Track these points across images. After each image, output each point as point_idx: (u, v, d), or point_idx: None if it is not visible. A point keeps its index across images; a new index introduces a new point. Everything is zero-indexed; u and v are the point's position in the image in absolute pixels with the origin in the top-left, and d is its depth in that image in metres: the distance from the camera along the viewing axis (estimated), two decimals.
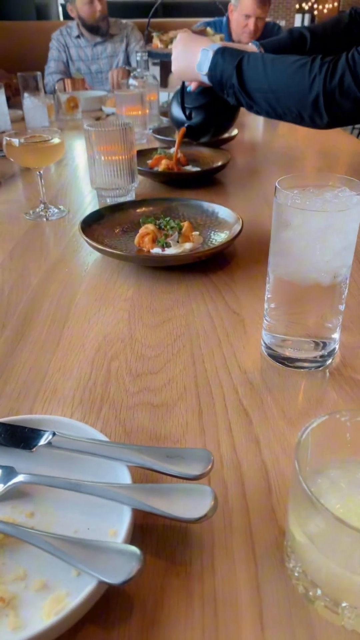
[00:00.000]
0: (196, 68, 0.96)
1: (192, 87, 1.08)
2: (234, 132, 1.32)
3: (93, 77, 2.48)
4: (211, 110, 1.08)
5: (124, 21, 2.48)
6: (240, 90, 0.89)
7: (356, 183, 0.45)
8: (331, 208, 0.44)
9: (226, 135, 1.30)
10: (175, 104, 1.13)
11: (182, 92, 1.09)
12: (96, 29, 2.38)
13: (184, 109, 1.09)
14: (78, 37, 2.45)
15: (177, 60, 1.03)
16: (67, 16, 2.60)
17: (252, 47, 1.07)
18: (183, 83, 1.09)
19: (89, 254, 0.77)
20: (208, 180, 1.08)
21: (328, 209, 0.44)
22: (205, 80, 0.96)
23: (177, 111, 1.12)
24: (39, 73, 1.60)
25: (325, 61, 0.82)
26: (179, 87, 1.15)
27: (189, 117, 1.09)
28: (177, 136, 1.12)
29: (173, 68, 1.04)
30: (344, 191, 0.46)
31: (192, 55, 0.97)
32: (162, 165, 1.09)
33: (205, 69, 0.94)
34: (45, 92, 2.03)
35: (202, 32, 1.79)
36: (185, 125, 1.09)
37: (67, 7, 2.44)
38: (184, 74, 1.04)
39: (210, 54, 0.92)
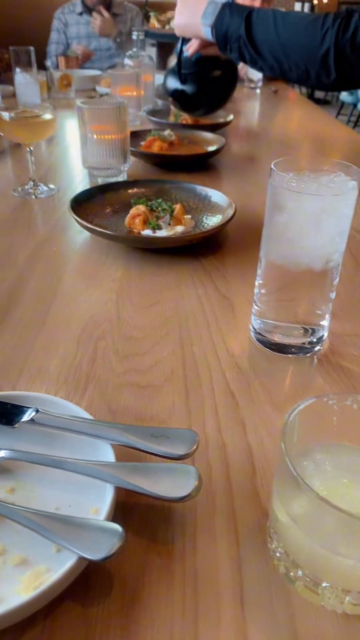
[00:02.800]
0: (201, 18, 0.94)
1: (189, 51, 1.05)
2: (230, 117, 1.30)
3: (89, 53, 2.44)
4: (206, 80, 1.07)
5: (130, 4, 2.44)
6: (246, 42, 0.86)
7: (352, 168, 0.45)
8: (326, 192, 0.43)
9: (222, 120, 1.28)
10: (170, 74, 1.11)
11: (181, 50, 1.06)
12: (89, 11, 2.35)
13: (179, 71, 1.07)
14: (81, 14, 2.41)
15: (181, 12, 1.01)
16: None
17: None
18: (182, 41, 1.06)
19: (78, 233, 0.76)
20: (202, 165, 1.07)
21: (323, 193, 0.43)
22: (208, 35, 0.95)
23: (172, 81, 1.10)
24: (31, 48, 1.56)
25: (338, 17, 0.82)
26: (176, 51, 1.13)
27: (183, 82, 1.08)
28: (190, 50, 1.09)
29: (175, 22, 1.02)
30: (339, 176, 0.45)
31: (198, 6, 0.95)
32: (156, 147, 1.07)
33: (210, 20, 0.92)
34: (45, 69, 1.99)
35: None
36: (179, 89, 1.08)
37: None
38: (185, 27, 1.01)
39: (219, 6, 0.91)
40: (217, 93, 1.12)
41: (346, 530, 0.26)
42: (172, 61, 1.15)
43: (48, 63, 2.30)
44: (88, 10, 2.38)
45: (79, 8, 2.43)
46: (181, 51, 1.05)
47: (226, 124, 1.29)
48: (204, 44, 1.04)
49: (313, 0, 5.69)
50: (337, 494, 0.30)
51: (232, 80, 1.18)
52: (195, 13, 0.96)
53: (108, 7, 2.38)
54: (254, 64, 0.91)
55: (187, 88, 1.07)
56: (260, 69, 0.91)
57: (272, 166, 0.45)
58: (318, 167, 0.47)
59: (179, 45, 1.05)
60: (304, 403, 0.32)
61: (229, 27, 0.89)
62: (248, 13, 0.86)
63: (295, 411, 0.31)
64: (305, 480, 0.30)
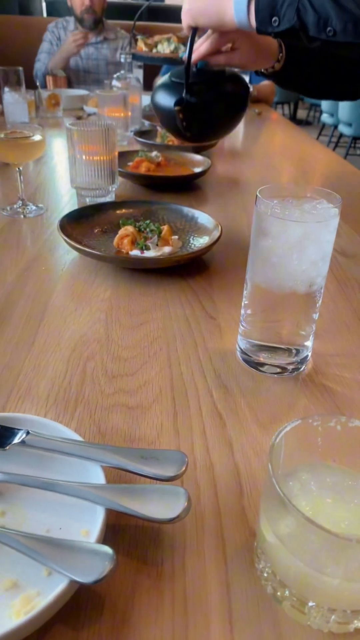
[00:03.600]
0: None
1: (194, 55, 0.76)
2: None
3: (79, 75, 2.47)
4: (219, 93, 0.77)
5: (122, 31, 2.48)
6: None
7: (333, 196, 0.47)
8: (309, 219, 0.45)
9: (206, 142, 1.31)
10: (163, 89, 0.80)
11: (192, 44, 0.74)
12: (80, 21, 2.37)
13: (187, 75, 0.74)
14: (73, 31, 2.43)
15: None
16: (50, 13, 2.58)
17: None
18: (194, 33, 0.74)
19: (66, 253, 0.77)
20: (188, 186, 1.09)
21: (306, 220, 0.45)
22: (241, 8, 0.67)
23: (166, 96, 0.79)
24: (20, 68, 1.58)
25: None
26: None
27: (189, 91, 0.76)
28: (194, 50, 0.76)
29: (186, 7, 0.73)
30: (321, 203, 0.47)
31: None
32: (143, 168, 1.09)
33: None
34: (36, 83, 2.01)
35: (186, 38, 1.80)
36: (184, 99, 0.75)
37: None
38: (205, 8, 0.72)
39: None
40: (229, 112, 0.81)
41: (331, 549, 0.27)
42: (159, 80, 0.85)
43: (35, 70, 2.30)
44: (78, 20, 2.40)
45: (71, 26, 2.45)
46: (191, 49, 0.74)
47: (211, 145, 1.32)
48: (217, 46, 0.76)
49: None
50: (322, 513, 0.31)
51: (244, 98, 0.86)
52: None
53: (97, 23, 2.40)
54: (322, 27, 0.62)
55: (196, 99, 0.76)
56: (329, 33, 0.62)
57: (258, 193, 0.46)
58: (301, 194, 0.49)
59: (181, 56, 0.83)
60: (290, 425, 0.33)
61: None
62: None
63: (281, 433, 0.32)
64: (291, 500, 0.31)
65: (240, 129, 1.75)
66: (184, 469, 0.36)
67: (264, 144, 1.64)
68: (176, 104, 0.76)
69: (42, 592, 0.30)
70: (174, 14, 3.43)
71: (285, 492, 0.31)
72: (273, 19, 0.65)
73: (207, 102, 0.78)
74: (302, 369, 0.53)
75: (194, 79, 0.76)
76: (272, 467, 0.29)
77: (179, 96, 0.75)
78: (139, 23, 2.06)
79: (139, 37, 1.82)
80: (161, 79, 0.84)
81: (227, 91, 0.78)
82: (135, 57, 1.69)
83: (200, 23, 0.74)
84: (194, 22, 0.74)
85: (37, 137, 0.88)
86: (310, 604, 0.29)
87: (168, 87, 0.80)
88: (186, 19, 0.74)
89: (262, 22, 0.66)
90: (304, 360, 0.53)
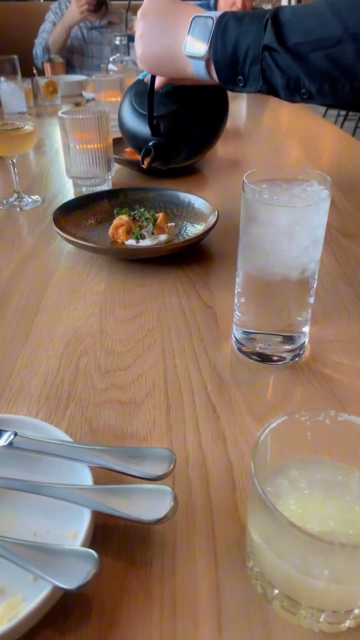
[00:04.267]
0: (184, 48, 0.58)
1: (157, 83, 0.70)
2: None
3: (83, 59, 2.42)
4: (189, 121, 0.71)
5: (131, 15, 2.41)
6: (282, 54, 0.51)
7: (325, 177, 0.45)
8: (299, 203, 0.43)
9: None
10: (128, 109, 0.75)
11: (152, 91, 0.68)
12: None
13: (152, 121, 0.69)
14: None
15: (148, 40, 0.63)
16: None
17: None
18: (152, 79, 0.68)
19: (62, 245, 0.76)
20: (187, 169, 1.07)
21: (295, 204, 0.43)
22: (199, 68, 0.59)
23: (132, 120, 0.74)
24: (15, 57, 1.56)
25: None
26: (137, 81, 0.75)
27: (154, 132, 0.71)
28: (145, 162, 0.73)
29: (139, 52, 0.64)
30: (312, 185, 0.45)
31: (174, 28, 0.60)
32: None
33: (204, 45, 0.56)
34: (36, 64, 1.97)
35: None
36: (151, 144, 0.71)
37: None
38: (159, 62, 0.63)
39: (212, 20, 0.56)
40: (205, 132, 0.76)
41: (315, 552, 0.26)
42: (127, 92, 0.78)
43: (35, 50, 2.26)
44: None
45: None
46: (151, 89, 0.69)
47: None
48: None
49: None
50: (310, 511, 0.30)
51: (222, 107, 0.83)
52: (172, 38, 0.60)
53: (100, 5, 2.34)
54: (294, 92, 0.54)
55: (164, 138, 0.70)
56: (303, 97, 0.54)
57: (244, 178, 0.45)
58: (292, 177, 0.47)
59: (142, 77, 0.70)
60: (275, 421, 0.32)
61: (238, 44, 0.54)
62: (274, 14, 0.52)
63: (266, 430, 0.31)
64: (279, 498, 0.30)
65: (242, 107, 1.71)
66: (172, 467, 0.35)
67: (267, 122, 1.59)
68: (144, 154, 0.72)
69: (27, 598, 0.30)
70: None
71: (272, 492, 0.30)
72: (238, 77, 0.56)
73: (177, 138, 0.71)
74: (299, 357, 0.51)
75: (162, 109, 0.69)
76: (254, 467, 0.28)
77: (146, 139, 0.71)
78: (135, 2, 2.00)
79: (134, 17, 1.77)
80: (126, 101, 0.76)
81: (198, 112, 0.69)
82: (131, 38, 1.65)
83: (159, 74, 0.67)
84: (151, 72, 0.67)
85: (29, 128, 0.86)
86: (300, 604, 0.29)
87: (133, 113, 0.73)
88: (142, 67, 0.66)
89: (225, 81, 0.58)
90: (301, 348, 0.51)
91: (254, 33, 0.52)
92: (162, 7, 0.61)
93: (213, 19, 0.55)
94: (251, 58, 0.53)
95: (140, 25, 0.63)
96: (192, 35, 0.57)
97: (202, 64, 0.57)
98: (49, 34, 2.38)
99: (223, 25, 0.54)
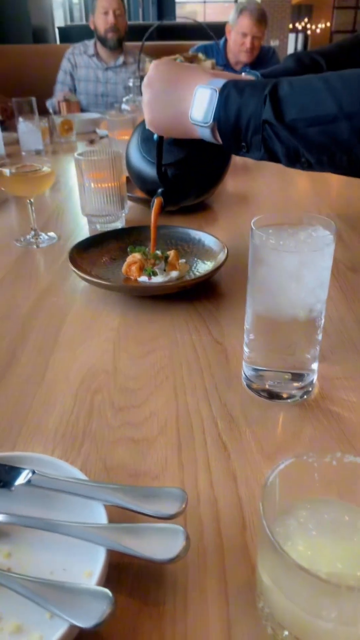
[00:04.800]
0: (190, 116, 0.61)
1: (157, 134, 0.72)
2: None
3: (97, 98, 2.52)
4: (198, 165, 0.72)
5: (143, 56, 2.52)
6: (279, 128, 0.54)
7: (329, 222, 0.47)
8: (305, 248, 0.45)
9: None
10: (136, 154, 0.77)
11: (160, 148, 0.71)
12: (104, 41, 2.42)
13: (160, 172, 0.72)
14: (93, 56, 2.49)
15: (156, 107, 0.66)
16: (63, 40, 2.66)
17: (250, 78, 0.76)
18: (160, 138, 0.70)
19: (77, 282, 0.78)
20: (197, 206, 1.10)
21: (302, 250, 0.45)
22: (205, 134, 0.61)
23: (139, 163, 0.76)
24: (33, 98, 1.64)
25: None
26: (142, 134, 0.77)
27: (163, 181, 0.73)
28: (153, 212, 0.76)
29: (148, 118, 0.68)
30: (317, 230, 0.47)
31: (179, 96, 0.63)
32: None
33: (209, 114, 0.59)
34: (47, 114, 2.06)
35: (193, 58, 1.83)
36: (160, 192, 0.74)
37: (89, 20, 2.49)
38: (167, 127, 0.67)
39: (215, 91, 0.58)
40: (212, 173, 0.78)
41: (323, 594, 0.27)
42: (134, 134, 0.80)
43: (49, 103, 2.37)
44: (102, 40, 2.43)
45: (91, 50, 2.48)
46: (160, 147, 0.71)
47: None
48: None
49: (307, 31, 5.87)
50: (319, 553, 0.31)
51: (226, 155, 0.85)
52: (178, 107, 0.63)
53: (120, 43, 2.44)
54: (294, 162, 0.57)
55: (173, 184, 0.73)
56: (304, 165, 0.56)
57: (252, 224, 0.47)
58: (297, 222, 0.49)
59: (155, 138, 0.72)
60: (283, 463, 0.33)
61: (240, 115, 0.56)
62: (272, 88, 0.54)
63: (275, 472, 0.32)
64: (288, 540, 0.31)
65: None
66: (183, 507, 0.36)
67: None
68: (154, 196, 0.75)
69: (45, 636, 0.31)
70: (184, 31, 3.49)
71: (281, 532, 0.31)
72: (241, 144, 0.59)
73: (185, 183, 0.73)
74: (308, 394, 0.52)
75: (171, 157, 0.72)
76: (263, 510, 0.29)
77: (154, 182, 0.74)
78: (148, 43, 2.11)
79: (146, 59, 1.86)
80: (133, 145, 0.78)
81: (207, 159, 0.71)
82: (143, 79, 1.73)
83: (168, 136, 0.70)
84: (160, 134, 0.70)
85: (46, 170, 0.90)
86: None
87: (141, 159, 0.76)
88: (152, 130, 0.70)
89: (229, 147, 0.61)
90: (309, 385, 0.52)
91: (254, 105, 0.55)
92: (167, 76, 0.64)
93: (216, 90, 0.58)
94: (253, 128, 0.56)
95: (147, 93, 0.66)
96: (196, 105, 0.60)
97: (208, 130, 0.60)
98: (62, 86, 2.51)
99: (225, 96, 0.57)
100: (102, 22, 2.36)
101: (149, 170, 0.74)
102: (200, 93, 0.59)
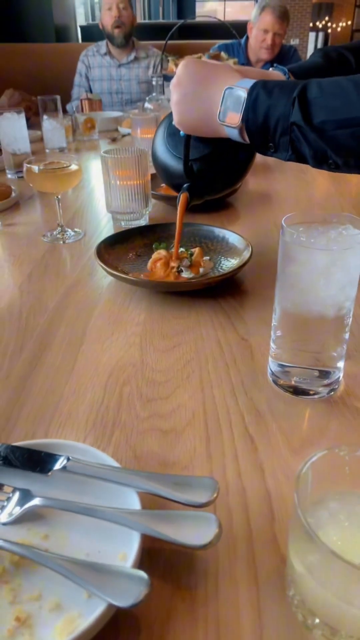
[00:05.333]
0: (219, 117, 0.61)
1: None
2: None
3: (112, 96, 2.54)
4: (219, 160, 0.72)
5: (154, 49, 2.54)
6: (308, 131, 0.54)
7: (359, 221, 0.48)
8: (335, 246, 0.46)
9: None
10: (162, 149, 0.77)
11: (187, 146, 0.71)
12: (112, 38, 2.44)
13: (187, 168, 0.72)
14: (105, 54, 2.50)
15: (185, 107, 0.66)
16: (85, 38, 2.68)
17: (277, 74, 0.77)
18: (188, 136, 0.70)
19: (103, 277, 0.80)
20: (220, 204, 1.11)
21: (332, 247, 0.46)
22: (233, 134, 0.62)
23: (166, 157, 0.76)
24: (57, 97, 1.66)
25: None
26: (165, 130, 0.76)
27: (189, 176, 0.73)
28: (179, 207, 0.75)
29: (176, 118, 0.68)
30: (348, 229, 0.48)
31: (208, 96, 0.63)
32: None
33: (237, 115, 0.59)
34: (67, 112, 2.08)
35: (216, 57, 1.84)
36: (186, 187, 0.74)
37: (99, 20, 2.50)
38: (196, 127, 0.67)
39: (243, 92, 0.59)
40: (237, 167, 0.76)
41: (357, 582, 0.27)
42: (160, 129, 0.79)
43: (69, 107, 2.40)
44: (109, 38, 2.44)
45: (103, 49, 2.50)
46: (187, 144, 0.71)
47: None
48: None
49: (328, 30, 5.82)
50: (351, 543, 0.32)
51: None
52: (206, 108, 0.63)
53: (127, 38, 2.45)
54: (321, 163, 0.57)
55: (198, 179, 0.73)
56: (332, 167, 0.57)
57: (283, 222, 0.48)
58: (327, 220, 0.49)
59: (182, 134, 0.72)
60: (316, 455, 0.33)
61: (268, 116, 0.57)
62: (301, 90, 0.55)
63: (308, 463, 0.33)
64: (319, 530, 0.32)
65: None
66: (215, 495, 0.37)
67: None
68: (181, 192, 0.75)
69: (83, 614, 0.32)
70: (205, 30, 3.49)
71: (312, 523, 0.32)
72: (269, 144, 0.60)
73: (211, 177, 0.74)
74: (334, 391, 0.53)
75: (194, 152, 0.72)
76: (297, 499, 0.30)
77: (179, 176, 0.74)
78: (170, 42, 2.12)
79: (169, 58, 1.87)
80: (159, 140, 0.78)
81: (232, 154, 0.72)
82: (166, 78, 1.74)
83: (196, 135, 0.70)
84: (188, 133, 0.70)
85: (74, 167, 0.92)
86: (340, 633, 0.30)
87: (167, 154, 0.76)
88: (180, 129, 0.70)
89: (258, 147, 0.62)
90: (335, 382, 0.53)
91: (283, 107, 0.55)
92: (196, 76, 0.64)
93: (244, 91, 0.59)
94: (281, 130, 0.57)
95: (176, 93, 0.66)
96: (225, 106, 0.61)
97: (236, 131, 0.61)
98: (78, 88, 2.53)
99: (254, 98, 0.58)
100: (107, 18, 2.37)
101: (175, 165, 0.74)
102: (228, 94, 0.60)
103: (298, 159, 0.59)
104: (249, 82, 0.59)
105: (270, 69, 0.78)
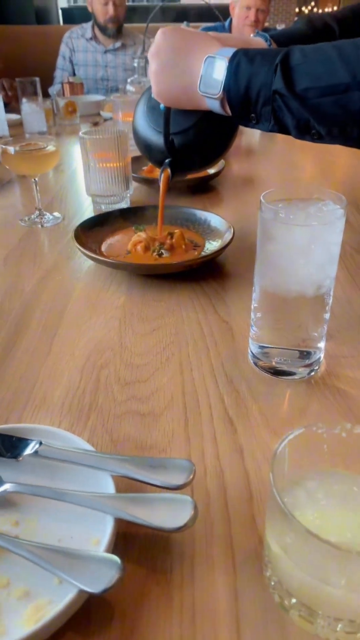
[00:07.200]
0: (199, 87, 0.59)
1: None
2: None
3: (97, 83, 2.48)
4: (201, 133, 0.69)
5: (141, 35, 2.48)
6: (290, 99, 0.52)
7: (339, 197, 0.46)
8: (314, 222, 0.45)
9: None
10: (143, 124, 0.74)
11: (167, 119, 0.68)
12: (104, 29, 2.39)
13: (168, 142, 0.69)
14: (91, 39, 2.44)
15: (164, 77, 0.63)
16: (67, 21, 2.61)
17: (259, 41, 0.73)
18: (168, 109, 0.67)
19: (82, 261, 0.78)
20: (203, 187, 1.09)
21: (311, 223, 0.44)
22: (214, 105, 0.60)
23: (146, 132, 0.73)
24: (37, 78, 1.62)
25: None
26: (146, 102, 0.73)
27: (170, 151, 0.70)
28: (161, 184, 0.74)
29: (155, 89, 0.65)
30: (327, 204, 0.47)
31: (187, 66, 0.60)
32: (157, 173, 1.10)
33: (218, 85, 0.57)
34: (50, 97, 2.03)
35: None
36: (167, 162, 0.71)
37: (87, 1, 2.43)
38: (175, 98, 0.64)
39: (224, 61, 0.56)
40: (220, 141, 0.73)
41: (333, 561, 0.27)
42: (140, 104, 0.76)
43: (51, 90, 2.34)
44: (100, 28, 2.39)
45: (89, 33, 2.43)
46: (167, 118, 0.68)
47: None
48: None
49: (314, 9, 5.77)
50: (328, 522, 0.31)
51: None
52: (187, 77, 0.60)
53: (119, 31, 2.42)
54: (303, 133, 0.55)
55: (180, 154, 0.71)
56: (315, 137, 0.55)
57: (261, 198, 0.46)
58: (307, 196, 0.48)
59: (162, 108, 0.68)
60: (293, 433, 0.33)
61: (250, 85, 0.55)
62: (284, 57, 0.53)
63: (284, 442, 0.32)
64: (296, 509, 0.31)
65: None
66: (191, 477, 0.36)
67: (281, 138, 1.61)
68: (162, 168, 0.73)
69: (53, 601, 0.31)
70: (189, 12, 3.43)
71: (290, 502, 0.31)
72: (251, 115, 0.57)
73: (192, 152, 0.72)
74: (314, 372, 0.52)
75: (177, 126, 0.69)
76: (273, 477, 0.29)
77: (161, 150, 0.71)
78: (152, 24, 2.07)
79: (151, 39, 1.83)
80: (140, 113, 0.75)
81: (215, 127, 0.69)
82: (148, 60, 1.70)
83: (175, 107, 0.67)
84: (167, 105, 0.67)
85: (51, 148, 0.89)
86: (317, 613, 0.29)
87: (149, 129, 0.73)
88: (159, 101, 0.67)
89: (239, 118, 0.59)
90: (316, 363, 0.52)
91: (265, 75, 0.53)
92: (175, 44, 0.62)
93: (225, 59, 0.56)
94: (263, 99, 0.54)
95: (154, 62, 0.63)
96: (206, 76, 0.58)
97: (217, 102, 0.59)
98: (61, 71, 2.46)
99: (235, 66, 0.55)
100: (101, 11, 2.32)
101: (156, 140, 0.71)
102: (209, 63, 0.57)
103: (280, 129, 0.57)
104: (230, 51, 0.57)
105: (251, 35, 0.75)
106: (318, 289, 0.47)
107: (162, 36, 0.63)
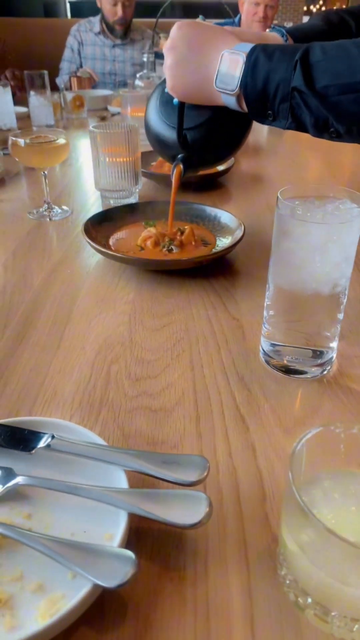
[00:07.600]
0: (215, 83, 0.58)
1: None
2: None
3: (105, 77, 2.47)
4: (214, 129, 0.68)
5: (149, 30, 2.46)
6: (309, 96, 0.52)
7: (357, 195, 0.46)
8: (332, 220, 0.44)
9: None
10: (155, 118, 0.73)
11: (181, 115, 0.67)
12: (111, 29, 2.38)
13: (181, 138, 0.68)
14: (98, 33, 2.43)
15: (179, 72, 0.62)
16: (74, 14, 2.60)
17: (274, 36, 0.72)
18: (181, 104, 0.66)
19: (91, 256, 0.78)
20: (212, 184, 1.09)
21: (329, 221, 0.44)
22: (230, 102, 0.59)
23: (159, 127, 0.72)
24: (45, 72, 1.61)
25: None
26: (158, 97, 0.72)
27: (184, 147, 0.70)
28: (173, 179, 0.73)
29: (170, 83, 0.64)
30: (345, 203, 0.46)
31: (203, 61, 0.59)
32: (166, 168, 1.09)
33: (235, 81, 0.56)
34: (58, 90, 2.02)
35: None
36: (180, 159, 0.71)
37: None
38: (190, 93, 0.63)
39: (242, 56, 0.55)
40: (232, 136, 0.72)
41: (352, 561, 0.27)
42: (153, 97, 0.75)
43: (58, 80, 2.33)
44: (108, 27, 2.39)
45: (97, 27, 2.42)
46: (181, 113, 0.67)
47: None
48: None
49: (322, 7, 5.74)
50: (345, 522, 0.31)
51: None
52: (203, 72, 0.59)
53: (126, 31, 2.41)
54: (322, 131, 0.54)
55: (192, 150, 0.70)
56: (333, 135, 0.54)
57: (279, 195, 0.46)
58: (324, 194, 0.48)
59: (175, 103, 0.67)
60: (311, 432, 0.32)
61: (268, 81, 0.54)
62: (304, 54, 0.52)
63: (302, 440, 0.32)
64: (313, 508, 0.31)
65: None
66: (205, 474, 0.36)
67: (289, 137, 1.61)
68: (174, 168, 0.72)
69: (67, 595, 0.31)
70: (197, 7, 3.41)
71: (306, 501, 0.30)
72: (267, 112, 0.56)
73: (205, 148, 0.71)
74: (326, 371, 0.52)
75: (188, 121, 0.68)
76: (292, 476, 0.29)
77: (173, 146, 0.70)
78: (162, 20, 2.06)
79: (161, 35, 1.82)
80: (153, 108, 0.74)
81: (228, 122, 0.68)
82: (157, 55, 1.69)
83: (190, 102, 0.66)
84: (182, 100, 0.66)
85: (61, 141, 0.89)
86: (333, 613, 0.29)
87: (161, 124, 0.72)
88: (174, 95, 0.66)
89: (255, 115, 0.58)
90: (328, 363, 0.52)
91: (284, 71, 0.52)
92: (191, 38, 0.61)
93: (243, 55, 0.55)
94: (281, 96, 0.54)
95: (169, 56, 0.62)
96: (222, 71, 0.57)
97: (233, 98, 0.58)
98: (68, 64, 2.45)
99: (253, 61, 0.54)
100: (110, 11, 2.31)
101: (169, 135, 0.70)
102: (226, 58, 0.56)
103: (298, 127, 0.56)
104: (248, 46, 0.56)
105: (267, 30, 0.74)
106: (334, 287, 0.47)
107: (178, 30, 0.62)
